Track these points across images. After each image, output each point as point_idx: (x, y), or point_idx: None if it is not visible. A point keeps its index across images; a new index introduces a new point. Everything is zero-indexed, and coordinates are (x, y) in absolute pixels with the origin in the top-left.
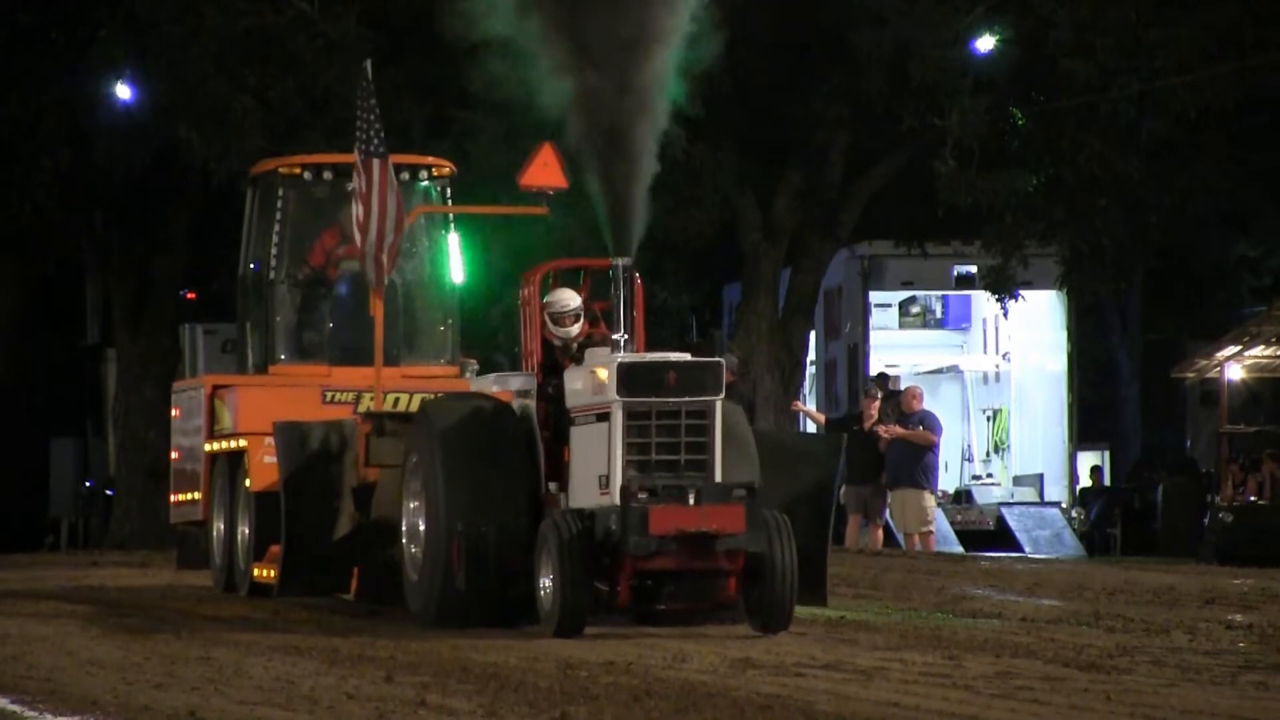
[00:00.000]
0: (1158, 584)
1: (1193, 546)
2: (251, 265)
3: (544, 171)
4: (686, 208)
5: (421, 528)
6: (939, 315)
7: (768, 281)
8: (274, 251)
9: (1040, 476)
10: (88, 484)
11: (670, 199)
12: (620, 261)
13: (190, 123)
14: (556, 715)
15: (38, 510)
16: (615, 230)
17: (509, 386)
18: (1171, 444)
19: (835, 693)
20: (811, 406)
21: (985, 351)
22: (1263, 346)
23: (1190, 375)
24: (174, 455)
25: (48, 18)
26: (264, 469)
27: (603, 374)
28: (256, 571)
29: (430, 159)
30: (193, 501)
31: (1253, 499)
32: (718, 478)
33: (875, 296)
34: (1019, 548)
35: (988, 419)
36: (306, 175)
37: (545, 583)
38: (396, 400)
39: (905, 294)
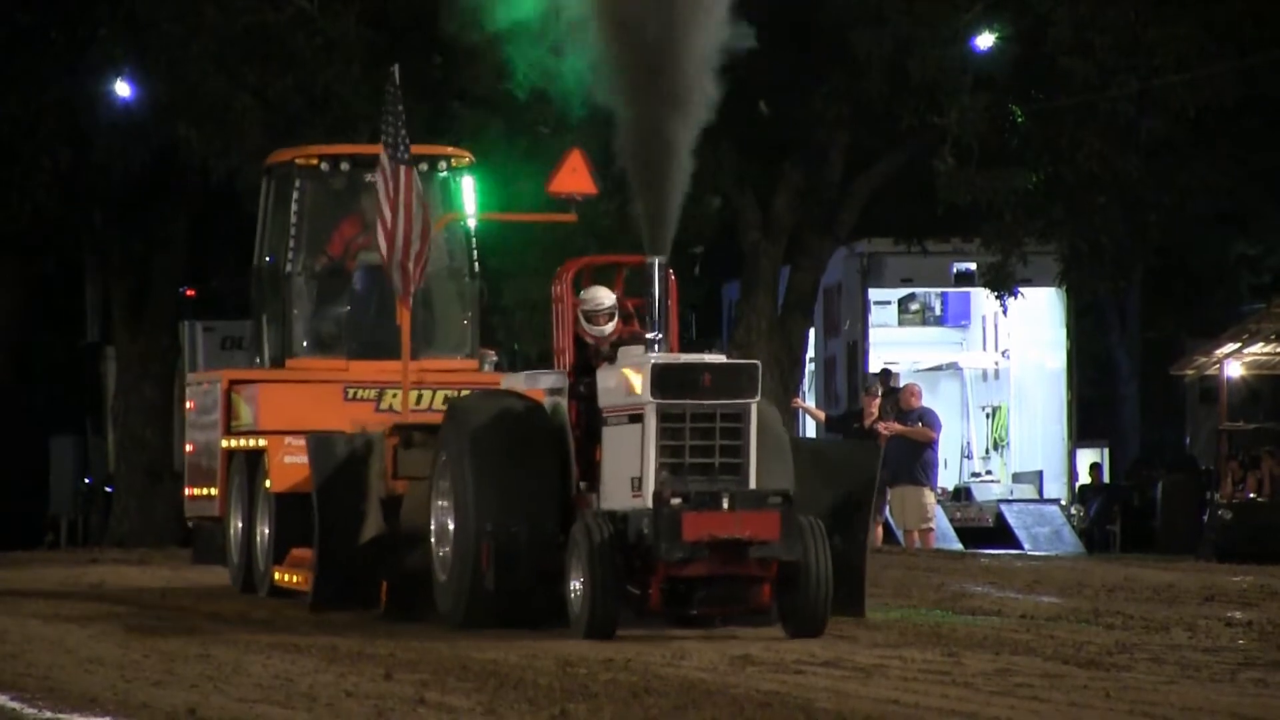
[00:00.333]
0: (1157, 581)
1: (1192, 544)
2: (267, 258)
3: (573, 177)
4: (686, 207)
5: (450, 527)
6: (938, 313)
7: (767, 279)
8: (290, 244)
9: (1040, 474)
10: (87, 482)
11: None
12: (656, 259)
13: (189, 121)
14: (556, 713)
15: (37, 508)
16: (651, 227)
17: (540, 385)
18: (1171, 441)
19: (834, 690)
20: (811, 404)
21: (984, 349)
22: (1262, 344)
23: (1189, 373)
24: (188, 449)
25: (48, 17)
26: (285, 469)
27: (635, 377)
28: (278, 575)
29: (450, 149)
30: (208, 497)
31: (1252, 496)
32: (752, 483)
33: (875, 294)
34: (1018, 545)
35: (987, 416)
36: (323, 166)
37: (576, 585)
38: (419, 397)
39: (905, 291)
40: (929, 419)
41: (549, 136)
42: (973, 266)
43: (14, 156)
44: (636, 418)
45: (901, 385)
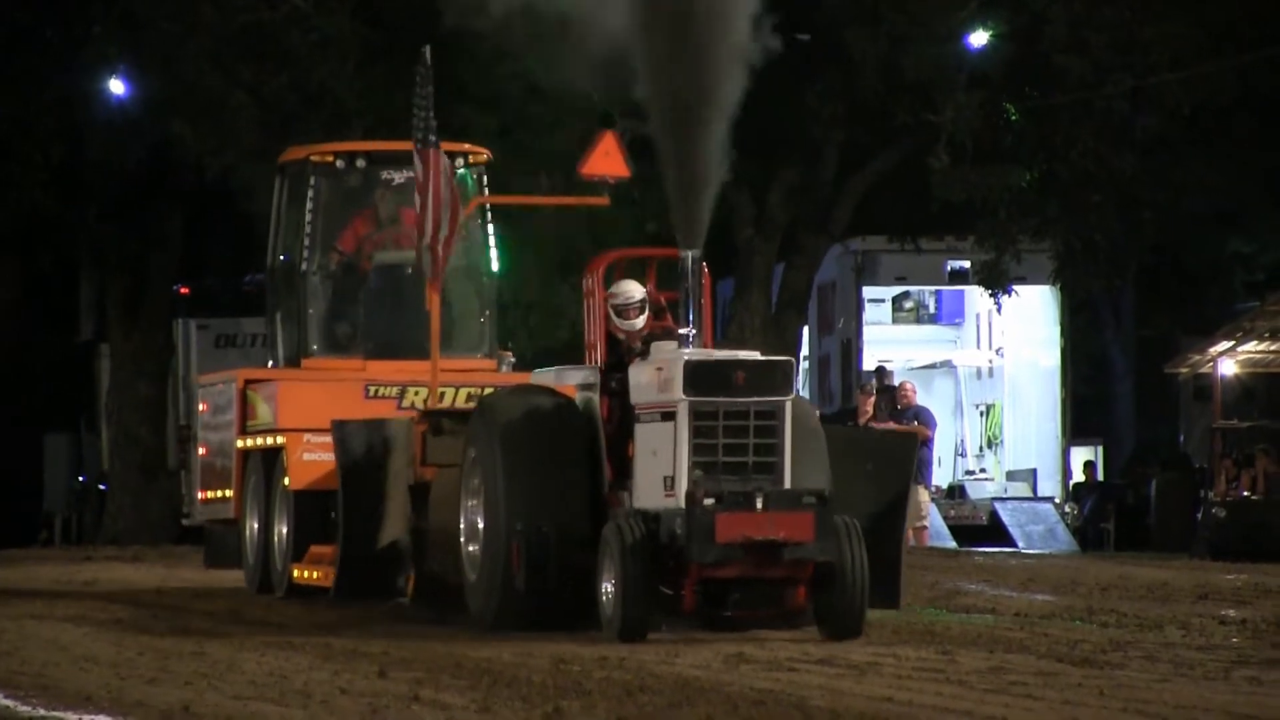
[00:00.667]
0: (1151, 579)
1: (1186, 542)
2: (281, 256)
3: (605, 160)
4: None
5: (480, 526)
6: (932, 310)
7: (761, 277)
8: (306, 242)
9: (1034, 471)
10: (81, 479)
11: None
12: (690, 253)
13: (184, 118)
14: (550, 710)
15: (32, 506)
16: (684, 220)
17: (571, 380)
18: (1165, 439)
19: (828, 688)
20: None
21: (979, 347)
22: (1256, 342)
23: (1183, 370)
24: (201, 451)
25: (45, 16)
26: (304, 466)
27: (669, 373)
28: (296, 572)
29: (467, 146)
30: (223, 499)
31: (1246, 494)
32: (787, 483)
33: (869, 292)
34: (1012, 543)
35: (981, 414)
36: (339, 163)
37: (607, 586)
38: (442, 395)
39: (899, 289)
40: (924, 417)
41: (548, 134)
42: (967, 264)
43: (11, 154)
44: (669, 415)
45: (896, 383)
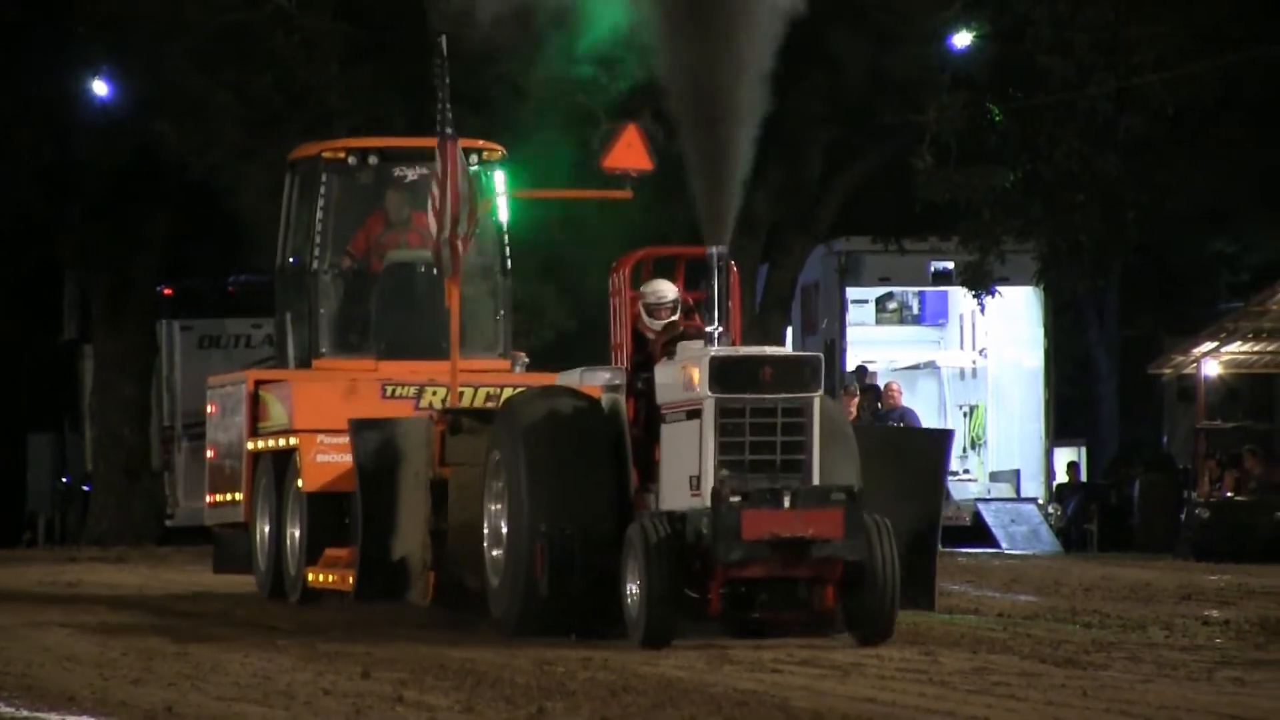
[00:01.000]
0: (1134, 580)
1: (1169, 542)
2: (291, 257)
3: (628, 153)
4: (665, 204)
5: (503, 529)
6: (916, 311)
7: (745, 277)
8: (316, 240)
9: (1017, 472)
10: (65, 480)
11: (650, 194)
12: (716, 249)
13: (168, 118)
14: (534, 711)
15: (15, 506)
16: (711, 216)
17: (597, 381)
18: (1148, 440)
19: (811, 689)
20: None
21: (962, 347)
22: (1240, 342)
23: (1167, 371)
24: (210, 454)
25: (30, 15)
26: (317, 468)
27: (694, 371)
28: (311, 576)
29: (480, 142)
30: (233, 502)
31: (1229, 495)
32: (815, 480)
33: (852, 292)
34: (996, 543)
35: (964, 415)
36: (351, 160)
37: (632, 589)
38: (460, 395)
39: (882, 290)
40: (910, 418)
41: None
42: (950, 265)
43: None
44: (695, 414)
45: (880, 384)
